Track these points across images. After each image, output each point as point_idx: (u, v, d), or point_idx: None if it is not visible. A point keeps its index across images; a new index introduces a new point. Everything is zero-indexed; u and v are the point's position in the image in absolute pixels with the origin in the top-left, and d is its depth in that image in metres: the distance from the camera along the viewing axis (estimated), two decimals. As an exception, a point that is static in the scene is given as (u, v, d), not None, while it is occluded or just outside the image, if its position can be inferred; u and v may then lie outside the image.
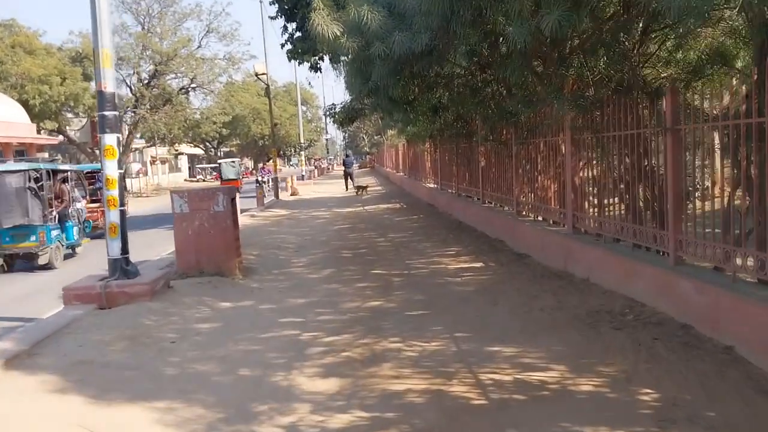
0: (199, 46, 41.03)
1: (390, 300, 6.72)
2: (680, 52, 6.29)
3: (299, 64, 20.05)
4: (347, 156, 33.11)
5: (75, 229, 12.53)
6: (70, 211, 12.38)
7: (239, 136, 68.58)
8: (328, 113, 21.17)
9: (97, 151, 39.47)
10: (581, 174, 7.10)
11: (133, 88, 39.47)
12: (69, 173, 12.90)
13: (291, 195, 26.39)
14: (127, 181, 40.33)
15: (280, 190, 24.61)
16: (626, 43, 6.23)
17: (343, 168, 30.82)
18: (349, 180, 28.64)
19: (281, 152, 78.68)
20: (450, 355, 4.80)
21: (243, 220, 15.97)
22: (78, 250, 12.83)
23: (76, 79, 29.86)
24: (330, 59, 20.26)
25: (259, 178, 27.15)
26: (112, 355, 5.31)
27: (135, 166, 41.56)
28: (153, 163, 55.89)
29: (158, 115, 37.75)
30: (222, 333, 5.93)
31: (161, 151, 56.84)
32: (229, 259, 8.54)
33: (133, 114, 39.26)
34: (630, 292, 5.62)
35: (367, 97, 9.78)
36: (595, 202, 6.93)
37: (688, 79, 5.79)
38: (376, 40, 7.07)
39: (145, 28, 38.56)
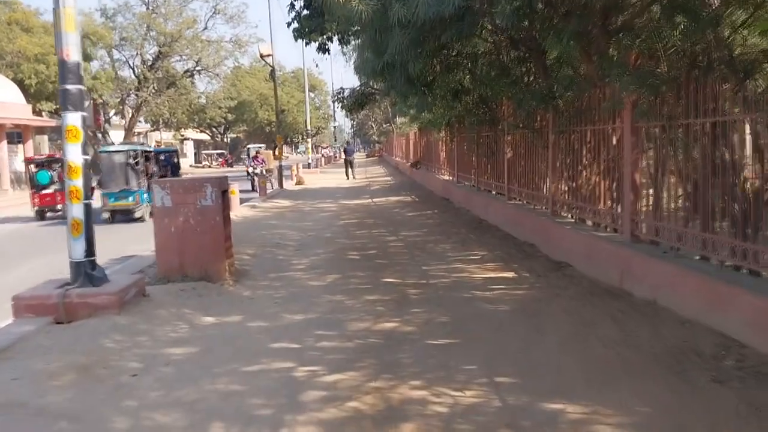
0: (205, 28, 39.85)
1: (407, 321, 5.48)
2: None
3: (306, 44, 18.73)
4: (348, 144, 34.54)
5: (145, 197, 15.37)
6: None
7: (246, 122, 67.50)
8: (336, 98, 19.90)
9: (99, 135, 38.74)
10: (646, 170, 5.81)
11: (136, 70, 38.31)
12: (151, 154, 16.90)
13: (296, 184, 25.17)
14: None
15: (284, 179, 23.38)
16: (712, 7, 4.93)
17: (344, 156, 31.66)
18: (350, 168, 28.85)
19: (289, 139, 77.64)
20: (493, 413, 3.56)
21: (242, 211, 14.79)
22: None
23: (74, 58, 28.58)
24: (339, 39, 18.99)
25: (251, 170, 22.42)
26: (52, 395, 4.10)
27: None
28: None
29: (161, 98, 36.55)
30: (198, 363, 4.73)
31: (166, 135, 55.77)
32: (217, 261, 7.34)
33: (135, 97, 38.15)
34: (719, 324, 4.37)
35: (380, 76, 8.50)
36: (665, 205, 5.65)
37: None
38: (396, 2, 5.79)
39: (150, 8, 37.32)
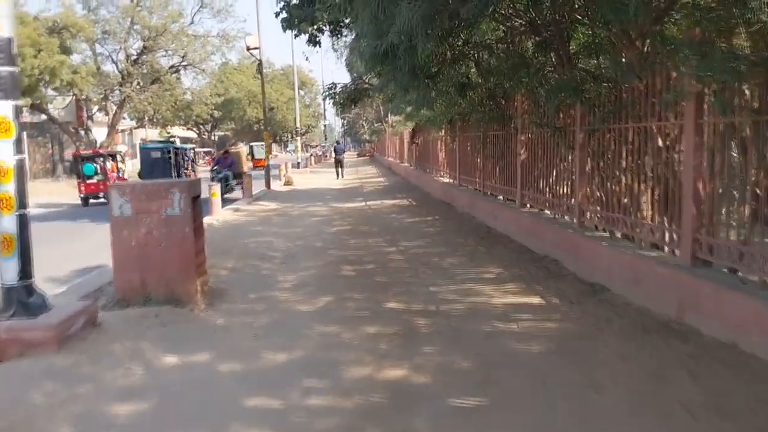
0: (191, 23, 38.46)
1: (418, 366, 4.34)
2: None
3: (296, 36, 17.58)
4: (338, 143, 34.28)
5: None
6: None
7: (234, 119, 66.12)
8: (327, 94, 18.73)
9: (82, 132, 37.25)
10: (712, 177, 4.70)
11: (119, 65, 36.84)
12: (179, 150, 18.99)
13: (284, 185, 23.94)
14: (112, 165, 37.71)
15: (272, 179, 22.17)
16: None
17: (334, 155, 31.78)
18: (340, 167, 29.06)
19: (278, 138, 76.23)
20: None
21: (224, 215, 13.60)
22: None
23: (52, 51, 27.20)
24: (331, 31, 17.84)
25: (215, 175, 17.96)
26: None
27: (121, 149, 38.85)
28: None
29: (144, 94, 35.14)
30: (147, 428, 3.58)
31: (152, 133, 54.24)
32: (186, 281, 6.16)
33: (119, 93, 36.67)
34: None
35: (380, 63, 7.34)
36: (733, 221, 4.55)
37: None
38: (406, -34, 4.66)
39: (134, 0, 35.86)
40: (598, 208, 6.61)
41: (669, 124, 5.20)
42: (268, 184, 21.59)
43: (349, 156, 52.14)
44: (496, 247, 8.51)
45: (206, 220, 12.91)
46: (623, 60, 5.77)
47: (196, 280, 6.23)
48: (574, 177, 7.14)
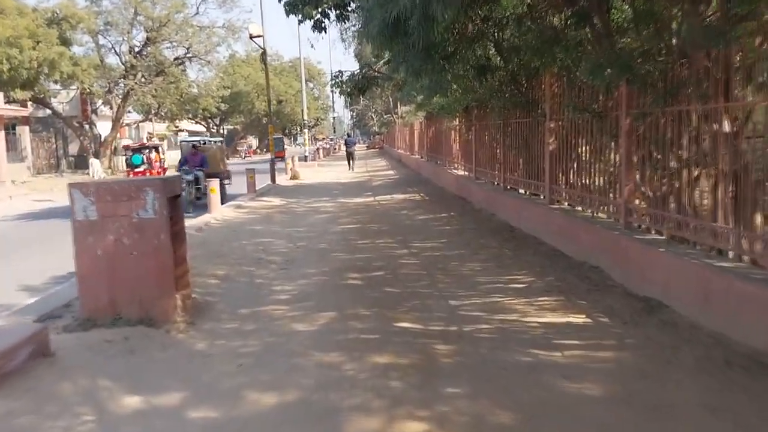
0: (196, 13, 37.56)
1: (441, 419, 3.36)
2: None
3: (300, 21, 16.53)
4: (348, 136, 35.68)
5: None
6: None
7: (243, 113, 65.33)
8: (334, 82, 17.72)
9: (87, 126, 36.46)
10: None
11: (123, 57, 36.00)
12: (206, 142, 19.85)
13: (291, 179, 23.02)
14: (116, 159, 36.89)
15: (277, 173, 21.22)
16: None
17: (344, 147, 32.39)
18: (351, 160, 29.25)
19: (287, 131, 75.28)
20: None
21: (224, 212, 12.68)
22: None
23: (51, 42, 26.35)
24: (337, 16, 16.80)
25: (184, 176, 13.89)
26: None
27: (126, 143, 37.97)
28: (149, 139, 52.51)
29: (147, 87, 34.26)
30: None
31: (160, 127, 53.56)
32: (163, 296, 5.23)
33: (123, 86, 35.86)
34: None
35: (390, 41, 6.35)
36: None
37: None
38: None
39: (139, -10, 34.91)
40: (647, 205, 5.58)
41: (751, 103, 4.16)
42: (273, 179, 20.66)
43: (358, 148, 51.02)
44: (524, 249, 7.50)
45: (205, 218, 12.05)
46: (689, 27, 4.72)
47: (175, 295, 5.29)
48: (617, 169, 6.11)
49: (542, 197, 8.39)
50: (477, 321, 4.98)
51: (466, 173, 13.56)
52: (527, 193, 9.04)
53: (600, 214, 6.57)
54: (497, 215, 10.00)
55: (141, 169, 20.94)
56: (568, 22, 6.42)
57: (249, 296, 6.20)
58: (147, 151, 21.48)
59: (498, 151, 10.48)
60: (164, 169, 21.42)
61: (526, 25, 6.72)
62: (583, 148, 6.94)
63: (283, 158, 25.87)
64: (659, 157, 5.36)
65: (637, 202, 5.80)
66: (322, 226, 10.79)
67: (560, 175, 7.70)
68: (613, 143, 6.19)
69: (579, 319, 4.86)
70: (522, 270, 6.53)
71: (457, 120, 13.75)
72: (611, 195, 6.28)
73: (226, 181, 16.44)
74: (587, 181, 6.90)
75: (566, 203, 7.61)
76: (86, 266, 5.21)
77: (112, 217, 5.15)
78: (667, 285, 4.84)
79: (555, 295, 5.48)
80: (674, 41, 5.83)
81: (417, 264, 7.30)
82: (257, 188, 17.60)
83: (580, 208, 7.23)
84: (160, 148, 22.52)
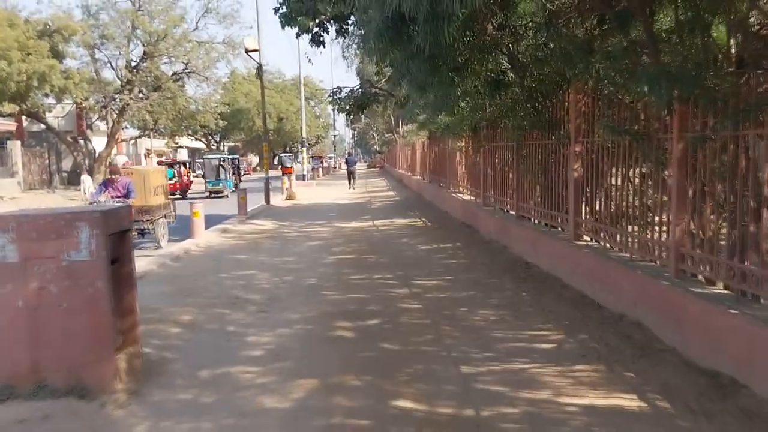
0: (195, 28, 36.76)
1: None
2: None
3: (297, 35, 15.63)
4: (350, 155, 37.27)
5: (231, 183, 27.37)
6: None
7: (243, 130, 64.65)
8: (332, 99, 16.77)
9: (82, 141, 35.45)
10: None
11: (119, 72, 35.13)
12: (230, 159, 29.08)
13: (287, 199, 21.96)
14: (185, 170, 35.74)
15: (272, 193, 20.17)
16: None
17: (346, 167, 33.31)
18: (352, 179, 29.99)
19: (288, 148, 74.38)
20: None
21: (208, 238, 11.60)
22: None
23: (42, 54, 25.46)
24: (337, 30, 15.87)
25: (95, 199, 9.78)
26: None
27: (120, 159, 36.70)
28: (148, 156, 51.59)
29: (143, 102, 33.36)
30: None
31: (159, 143, 52.70)
32: (100, 359, 4.13)
33: (119, 101, 34.92)
34: None
35: (392, 44, 5.32)
36: None
37: None
38: None
39: (137, 5, 34.16)
40: (703, 250, 4.49)
41: None
42: (267, 199, 19.60)
43: (359, 167, 49.91)
44: (545, 294, 6.39)
45: (185, 244, 10.95)
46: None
47: (116, 357, 4.18)
48: (662, 203, 5.04)
49: (563, 230, 7.31)
50: (498, 401, 3.86)
51: (473, 198, 12.49)
52: (548, 225, 7.95)
53: (639, 256, 5.48)
54: (509, 248, 8.91)
55: (173, 181, 24.62)
56: (604, 27, 5.38)
57: (215, 351, 5.09)
58: (178, 166, 27.33)
59: (510, 175, 9.42)
60: (191, 182, 28.35)
61: (554, 29, 5.68)
62: (618, 177, 5.87)
63: (290, 174, 27.51)
64: (724, 191, 4.29)
65: (693, 246, 4.71)
66: (314, 256, 9.69)
67: (588, 207, 6.63)
68: (658, 172, 5.12)
69: (629, 401, 3.74)
70: (547, 322, 5.43)
71: (464, 140, 12.72)
72: (656, 235, 5.19)
73: (166, 220, 11.74)
74: (622, 215, 5.81)
75: (594, 239, 6.52)
76: (2, 321, 4.11)
77: (36, 259, 4.06)
78: (743, 357, 3.73)
79: (593, 363, 4.37)
80: (733, 51, 4.83)
81: (420, 309, 6.19)
82: (249, 210, 16.54)
83: (610, 246, 6.14)
84: (187, 164, 28.84)
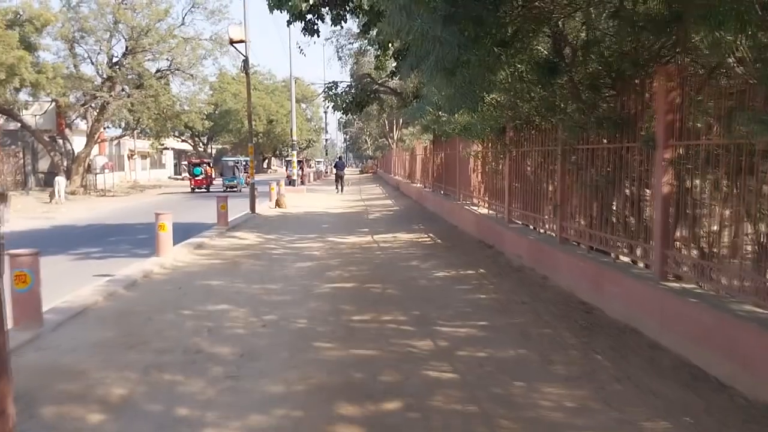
0: (182, 23, 34.78)
1: None
2: None
3: (288, 23, 13.77)
4: (339, 159, 37.36)
5: (243, 179, 30.40)
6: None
7: (232, 132, 62.74)
8: (327, 95, 14.91)
9: (60, 141, 33.27)
10: None
11: (99, 68, 33.07)
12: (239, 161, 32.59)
13: (275, 206, 20.04)
14: (91, 177, 33.79)
15: (257, 199, 18.26)
16: None
17: (335, 171, 33.96)
18: (341, 183, 30.67)
19: (278, 152, 72.32)
20: None
21: (179, 254, 9.72)
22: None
23: (10, 45, 23.41)
24: (333, 18, 14.02)
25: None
26: None
27: (100, 160, 34.68)
28: (131, 157, 49.38)
29: (122, 100, 31.32)
30: None
31: (143, 144, 50.53)
32: None
33: (99, 99, 32.82)
34: None
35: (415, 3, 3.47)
36: None
37: None
38: None
39: (118, -1, 32.09)
40: None
41: None
42: (252, 207, 17.68)
43: (350, 172, 47.97)
44: (630, 358, 4.55)
45: (148, 265, 8.96)
46: None
47: None
48: None
49: (635, 262, 5.48)
50: None
51: (494, 213, 10.64)
52: (614, 256, 6.12)
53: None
54: (551, 279, 7.08)
55: (199, 178, 31.40)
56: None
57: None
58: (204, 164, 32.31)
59: (550, 188, 7.59)
60: (213, 179, 32.68)
61: None
62: (735, 197, 4.05)
63: (290, 179, 29.92)
64: None
65: None
66: (304, 284, 7.80)
67: (686, 233, 4.81)
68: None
69: None
70: (656, 416, 3.58)
71: (482, 145, 10.90)
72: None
73: None
74: (748, 254, 4.00)
75: (697, 281, 4.69)
76: None
77: None
78: None
79: None
80: None
81: (456, 383, 4.32)
82: (231, 219, 14.62)
83: (721, 292, 4.32)
84: (210, 164, 33.93)
